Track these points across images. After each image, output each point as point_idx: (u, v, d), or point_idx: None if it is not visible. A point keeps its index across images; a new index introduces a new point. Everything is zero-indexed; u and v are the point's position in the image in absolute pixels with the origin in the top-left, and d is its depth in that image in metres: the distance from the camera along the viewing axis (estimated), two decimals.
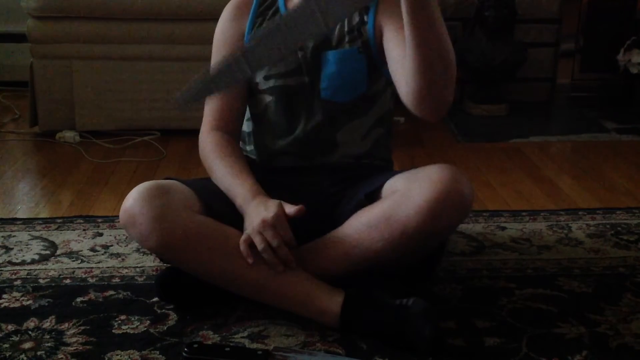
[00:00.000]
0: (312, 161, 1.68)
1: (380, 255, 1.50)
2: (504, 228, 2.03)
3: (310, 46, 1.62)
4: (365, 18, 1.62)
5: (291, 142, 1.68)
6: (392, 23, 1.56)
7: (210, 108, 1.69)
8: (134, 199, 1.52)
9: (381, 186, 1.57)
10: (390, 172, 1.63)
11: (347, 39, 1.63)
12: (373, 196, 1.57)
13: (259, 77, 1.66)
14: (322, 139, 1.67)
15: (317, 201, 1.61)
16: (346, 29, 1.63)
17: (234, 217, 1.55)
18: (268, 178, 1.66)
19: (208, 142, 1.66)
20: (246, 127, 1.75)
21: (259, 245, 1.48)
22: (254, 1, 1.68)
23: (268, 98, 1.67)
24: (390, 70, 1.56)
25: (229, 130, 1.68)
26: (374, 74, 1.64)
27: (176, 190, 1.56)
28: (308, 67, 1.63)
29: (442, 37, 1.35)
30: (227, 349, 1.43)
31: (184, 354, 1.40)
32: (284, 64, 1.63)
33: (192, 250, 1.51)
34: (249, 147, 1.75)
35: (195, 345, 1.42)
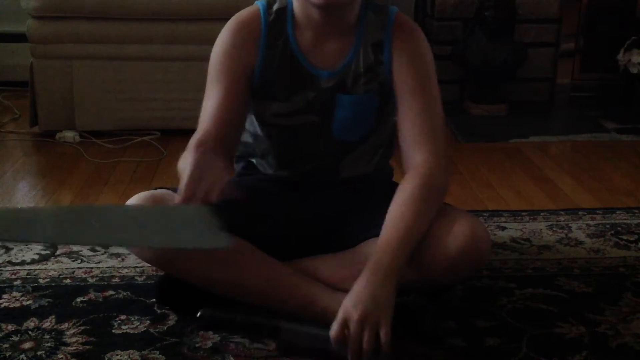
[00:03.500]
0: (311, 181, 1.67)
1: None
2: (504, 228, 2.03)
3: (325, 87, 1.56)
4: (381, 57, 1.57)
5: (290, 173, 1.66)
6: (403, 72, 1.55)
7: (203, 126, 1.54)
8: None
9: None
10: None
11: (362, 80, 1.57)
12: None
13: (267, 113, 1.60)
14: (324, 171, 1.66)
15: (320, 213, 1.61)
16: (362, 68, 1.57)
17: (232, 224, 1.54)
18: (266, 185, 1.66)
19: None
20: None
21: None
22: (262, 29, 1.56)
23: (271, 133, 1.63)
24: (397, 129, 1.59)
25: (216, 149, 1.51)
26: (385, 109, 1.61)
27: (170, 199, 1.51)
28: (319, 107, 1.58)
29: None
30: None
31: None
32: (291, 104, 1.57)
33: (189, 261, 1.50)
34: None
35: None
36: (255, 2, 1.61)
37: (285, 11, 1.57)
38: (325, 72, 1.57)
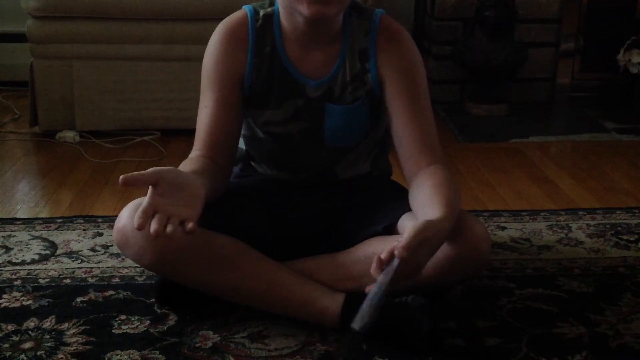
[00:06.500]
0: (310, 183, 1.67)
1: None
2: (504, 228, 2.03)
3: (312, 96, 1.56)
4: (367, 66, 1.56)
5: (288, 176, 1.67)
6: (395, 80, 1.55)
7: (199, 137, 1.56)
8: (126, 218, 1.48)
9: (399, 216, 1.54)
10: (403, 196, 1.58)
11: (350, 88, 1.57)
12: (390, 227, 1.55)
13: (258, 121, 1.60)
14: (322, 174, 1.66)
15: (318, 213, 1.62)
16: (348, 78, 1.56)
17: (230, 225, 1.55)
18: (264, 186, 1.66)
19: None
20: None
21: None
22: (250, 36, 1.55)
23: (267, 139, 1.63)
24: (392, 136, 1.59)
25: (214, 159, 1.55)
26: (376, 115, 1.61)
27: None
28: (309, 114, 1.58)
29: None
30: None
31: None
32: (282, 111, 1.57)
33: (187, 264, 1.50)
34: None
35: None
36: (243, 6, 1.60)
37: (272, 18, 1.56)
38: (313, 82, 1.56)
